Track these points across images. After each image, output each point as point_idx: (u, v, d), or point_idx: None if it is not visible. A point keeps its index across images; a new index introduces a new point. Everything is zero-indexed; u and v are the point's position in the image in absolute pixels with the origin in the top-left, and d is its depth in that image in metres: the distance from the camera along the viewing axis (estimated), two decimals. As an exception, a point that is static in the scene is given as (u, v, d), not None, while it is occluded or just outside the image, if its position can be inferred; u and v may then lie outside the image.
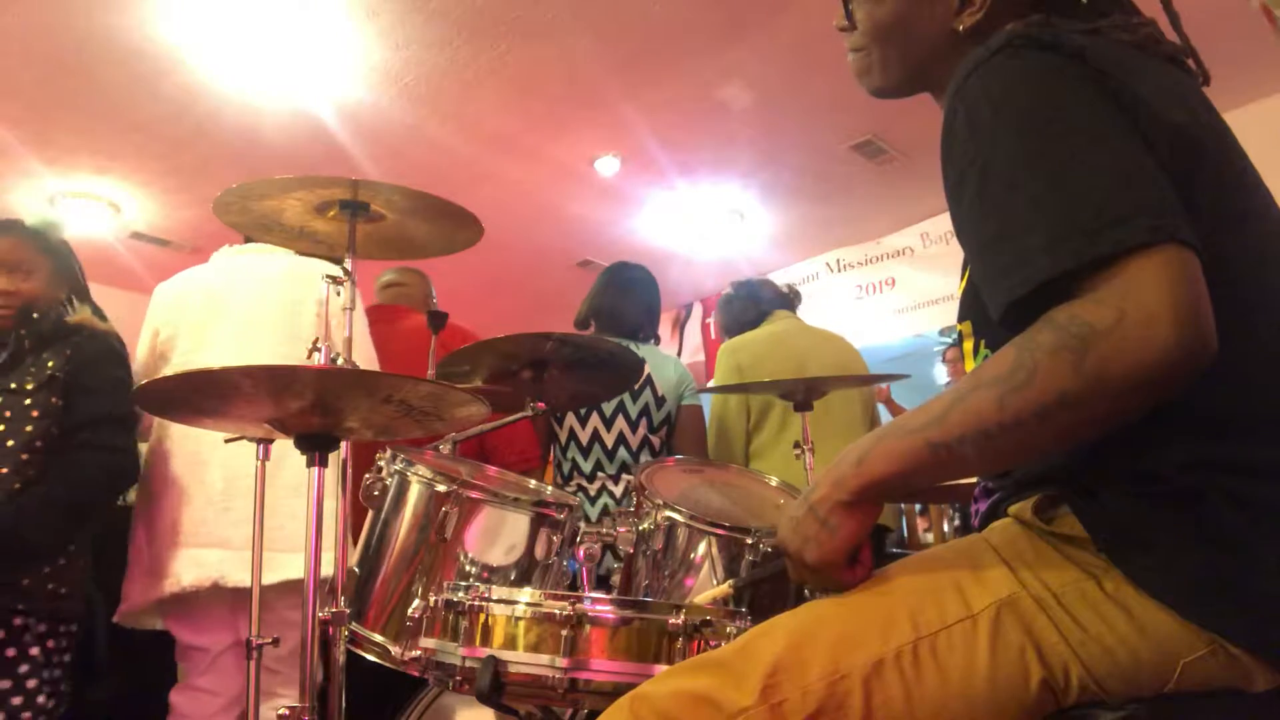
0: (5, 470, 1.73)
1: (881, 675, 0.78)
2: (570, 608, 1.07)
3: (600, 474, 2.53)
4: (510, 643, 1.09)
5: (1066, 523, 0.80)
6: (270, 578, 1.73)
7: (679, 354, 6.44)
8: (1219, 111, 0.89)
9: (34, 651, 1.76)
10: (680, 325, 6.78)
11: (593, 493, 2.51)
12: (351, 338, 1.61)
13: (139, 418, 1.98)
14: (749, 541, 1.51)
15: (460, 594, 1.14)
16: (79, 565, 1.84)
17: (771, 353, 2.78)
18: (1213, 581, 0.74)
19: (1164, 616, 0.74)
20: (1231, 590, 0.73)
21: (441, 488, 1.50)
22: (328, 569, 1.55)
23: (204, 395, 1.33)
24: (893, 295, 5.63)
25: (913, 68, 1.03)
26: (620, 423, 2.55)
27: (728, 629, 1.09)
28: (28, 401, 1.79)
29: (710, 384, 2.98)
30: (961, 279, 0.97)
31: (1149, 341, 0.67)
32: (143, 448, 2.04)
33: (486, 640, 1.10)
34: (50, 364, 1.84)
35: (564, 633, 1.06)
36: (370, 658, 1.47)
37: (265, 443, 1.63)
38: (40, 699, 1.75)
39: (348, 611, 1.46)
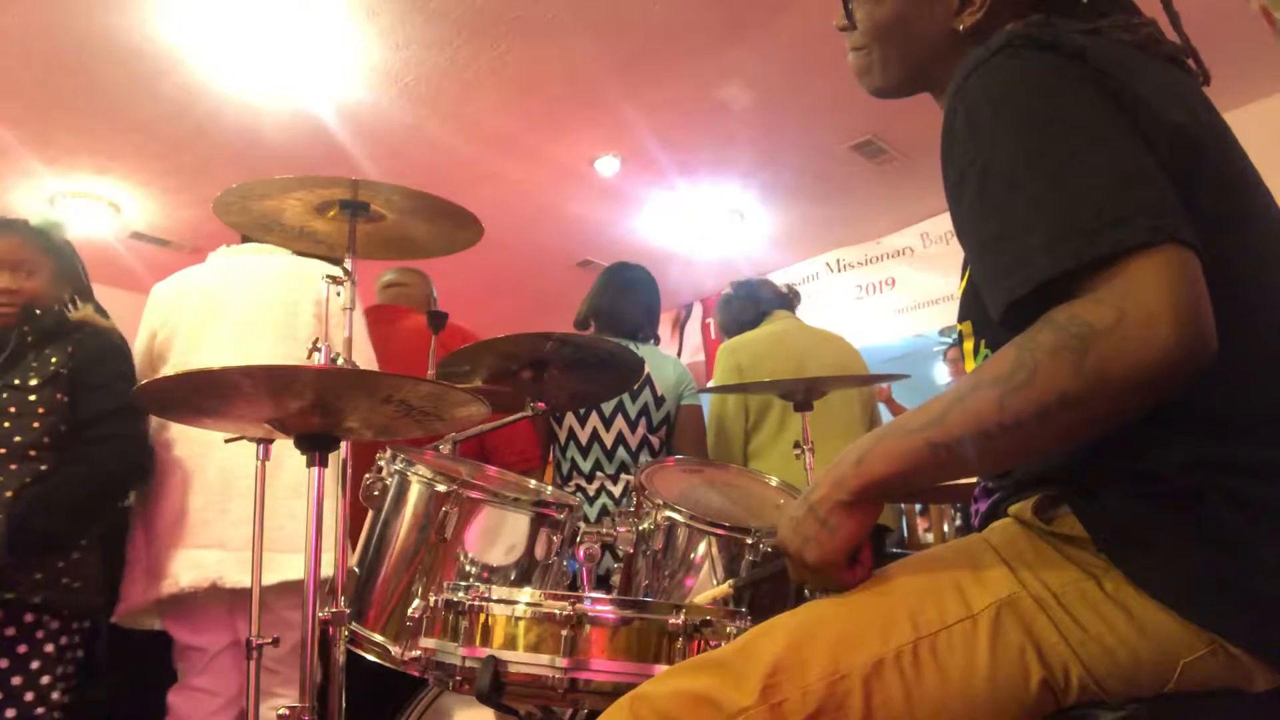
0: (15, 466, 1.73)
1: (881, 675, 0.78)
2: (570, 608, 1.07)
3: (599, 474, 2.53)
4: (510, 643, 1.09)
5: (1066, 523, 0.80)
6: (269, 578, 1.72)
7: (679, 354, 6.44)
8: (1219, 111, 0.89)
9: (49, 649, 1.76)
10: (680, 325, 6.78)
11: (591, 493, 2.51)
12: (351, 338, 1.61)
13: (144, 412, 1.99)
14: (749, 541, 1.51)
15: (460, 594, 1.14)
16: (91, 560, 1.84)
17: (771, 353, 2.78)
18: (1213, 581, 0.74)
19: (1164, 616, 0.74)
20: (1231, 590, 0.73)
21: (441, 488, 1.50)
22: (327, 569, 1.55)
23: (204, 395, 1.33)
24: (893, 295, 5.63)
25: (913, 67, 1.03)
26: (619, 423, 2.55)
27: (728, 629, 1.09)
28: (32, 398, 1.79)
29: (710, 384, 2.98)
30: (961, 279, 0.97)
31: (1149, 341, 0.67)
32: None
33: (486, 640, 1.10)
34: (53, 360, 1.84)
35: (564, 633, 1.06)
36: (370, 658, 1.47)
37: (265, 443, 1.63)
38: (55, 695, 1.76)
39: (348, 611, 1.46)
